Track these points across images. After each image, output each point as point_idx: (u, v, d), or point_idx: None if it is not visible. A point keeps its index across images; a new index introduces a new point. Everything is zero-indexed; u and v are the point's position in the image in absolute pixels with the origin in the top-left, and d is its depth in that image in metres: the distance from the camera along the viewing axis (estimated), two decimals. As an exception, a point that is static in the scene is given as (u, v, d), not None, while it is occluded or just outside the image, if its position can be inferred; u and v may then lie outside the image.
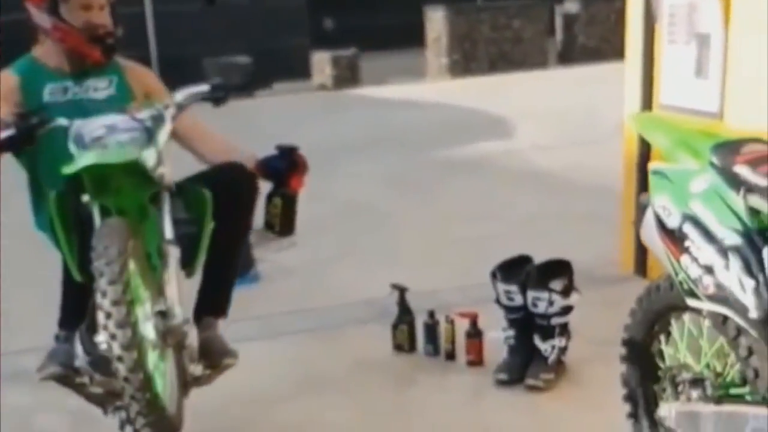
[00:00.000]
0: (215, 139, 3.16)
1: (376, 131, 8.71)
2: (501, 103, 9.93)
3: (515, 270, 3.44)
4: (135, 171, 2.57)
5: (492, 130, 8.66)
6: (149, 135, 2.66)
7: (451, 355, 3.59)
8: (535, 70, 13.21)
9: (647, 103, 3.86)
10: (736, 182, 1.93)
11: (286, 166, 3.07)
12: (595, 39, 13.59)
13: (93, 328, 2.50)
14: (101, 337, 2.35)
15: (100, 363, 2.56)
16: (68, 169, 2.52)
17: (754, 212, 1.93)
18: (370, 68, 13.38)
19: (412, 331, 3.66)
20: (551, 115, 9.02)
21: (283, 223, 3.07)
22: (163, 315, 2.56)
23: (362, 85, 12.81)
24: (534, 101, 10.08)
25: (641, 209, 2.17)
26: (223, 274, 2.97)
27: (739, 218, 1.93)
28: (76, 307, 2.77)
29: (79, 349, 2.70)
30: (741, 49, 3.46)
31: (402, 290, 3.68)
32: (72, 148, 2.63)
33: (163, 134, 2.71)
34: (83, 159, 2.54)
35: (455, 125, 8.95)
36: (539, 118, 8.95)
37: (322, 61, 13.35)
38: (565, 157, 7.07)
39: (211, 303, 2.95)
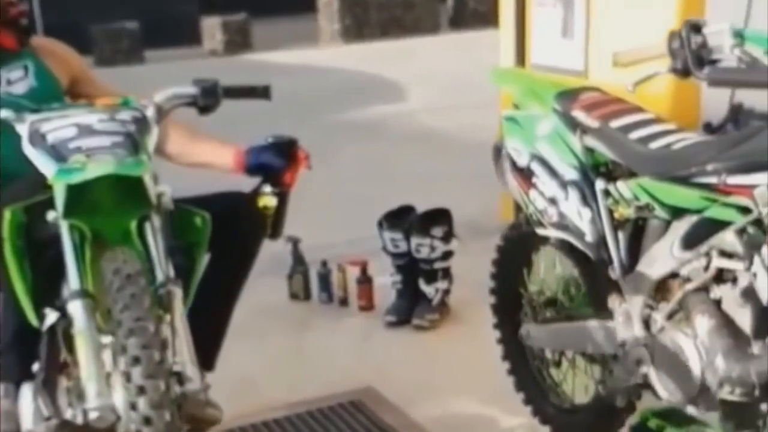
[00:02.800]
0: (182, 129, 2.67)
1: (283, 98, 8.97)
2: (394, 68, 10.30)
3: (400, 219, 3.83)
4: (130, 186, 2.18)
5: (385, 94, 9.05)
6: (133, 142, 2.22)
7: (344, 301, 3.97)
8: (427, 35, 13.63)
9: (520, 63, 4.28)
10: (573, 125, 2.34)
11: (283, 163, 2.61)
12: (486, 4, 14.08)
13: (53, 384, 2.22)
14: (117, 397, 1.98)
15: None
16: (73, 179, 2.13)
17: (588, 151, 2.34)
18: (261, 34, 13.59)
19: (307, 280, 4.01)
20: (443, 78, 9.44)
21: (274, 226, 2.66)
22: (179, 377, 2.06)
23: (254, 51, 13.02)
24: (426, 65, 10.49)
25: (497, 152, 2.57)
26: (214, 321, 2.55)
27: (577, 156, 2.34)
28: (23, 355, 2.31)
29: (27, 410, 2.25)
30: (602, 11, 3.89)
31: (296, 241, 4.03)
32: (36, 152, 2.22)
33: (151, 143, 2.29)
34: (94, 167, 2.13)
35: (349, 90, 9.29)
36: (431, 82, 9.36)
37: (212, 27, 13.49)
38: (455, 118, 7.49)
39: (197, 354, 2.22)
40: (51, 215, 2.17)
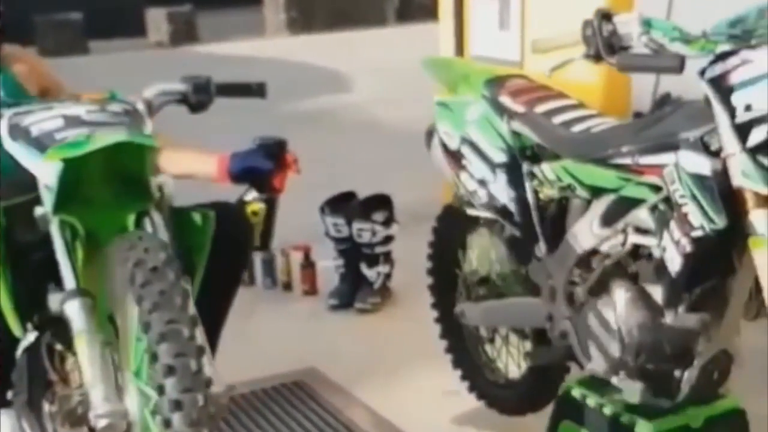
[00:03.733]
0: (160, 138, 2.40)
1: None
2: (340, 60, 10.41)
3: (342, 205, 3.96)
4: (127, 178, 2.08)
5: (332, 86, 9.15)
6: (131, 130, 2.10)
7: (287, 286, 4.09)
8: (374, 27, 13.74)
9: (460, 54, 4.41)
10: (501, 110, 2.48)
11: (271, 166, 2.42)
12: (432, -4, 14.26)
13: (37, 407, 2.12)
14: (129, 401, 1.86)
15: None
16: (78, 151, 1.99)
17: (515, 135, 2.48)
18: (207, 25, 13.60)
19: (251, 266, 4.12)
20: (389, 70, 9.56)
21: (263, 235, 2.54)
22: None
23: (200, 43, 13.03)
24: (372, 57, 10.60)
25: (429, 136, 2.70)
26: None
27: (504, 140, 2.48)
28: (4, 372, 2.18)
29: None
30: (537, 3, 4.04)
31: (240, 228, 4.12)
32: (17, 146, 2.10)
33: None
34: (101, 137, 2.00)
35: (295, 81, 9.36)
36: (377, 74, 9.48)
37: (157, 18, 13.47)
38: (400, 109, 7.62)
39: None
40: (39, 211, 2.03)
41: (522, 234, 2.50)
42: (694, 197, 1.90)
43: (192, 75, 2.37)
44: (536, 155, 2.44)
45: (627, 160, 2.13)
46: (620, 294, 2.24)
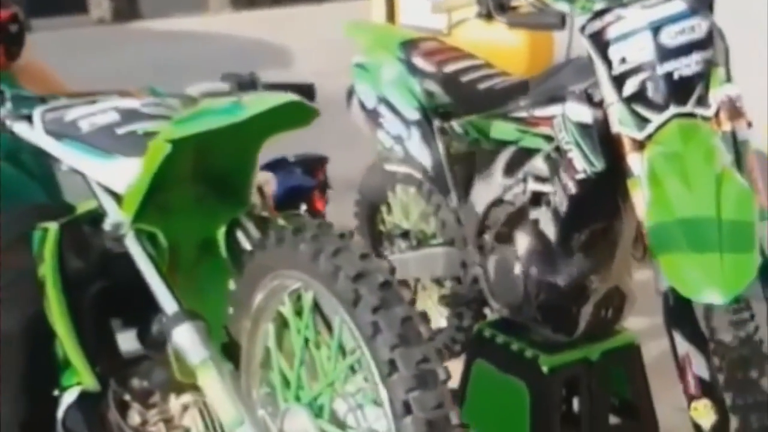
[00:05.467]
0: None
1: (160, 64, 9.14)
2: (283, 35, 10.54)
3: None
4: (220, 177, 1.81)
5: (274, 60, 9.28)
6: None
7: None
8: (315, 2, 13.86)
9: (391, 23, 4.61)
10: (414, 71, 2.69)
11: (313, 183, 2.27)
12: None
13: None
14: None
15: None
16: (176, 132, 1.63)
17: (428, 93, 2.68)
18: (149, 1, 13.62)
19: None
20: (331, 44, 9.73)
21: None
22: None
23: (143, 19, 13.07)
24: (315, 32, 10.75)
25: (349, 95, 2.91)
26: None
27: (417, 99, 2.69)
28: None
29: None
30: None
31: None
32: (65, 144, 1.82)
33: None
34: (256, 101, 1.66)
35: (239, 57, 9.48)
36: (319, 48, 9.64)
37: (99, -5, 13.45)
38: (340, 81, 7.79)
39: None
40: (112, 221, 1.71)
41: (435, 187, 2.71)
42: (577, 143, 2.12)
43: (233, 72, 2.16)
44: (447, 112, 2.66)
45: (524, 114, 2.35)
46: (522, 239, 2.45)
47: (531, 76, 2.46)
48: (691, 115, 2.01)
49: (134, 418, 1.90)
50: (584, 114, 2.12)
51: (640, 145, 2.04)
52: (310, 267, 1.57)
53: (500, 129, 2.45)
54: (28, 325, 1.83)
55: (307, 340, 1.65)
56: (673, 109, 2.01)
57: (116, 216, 1.74)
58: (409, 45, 2.74)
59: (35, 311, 1.81)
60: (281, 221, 1.88)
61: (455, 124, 2.61)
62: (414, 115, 2.69)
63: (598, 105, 2.11)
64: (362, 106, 2.83)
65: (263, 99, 1.66)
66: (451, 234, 2.76)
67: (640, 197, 2.04)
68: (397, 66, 2.73)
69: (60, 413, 1.86)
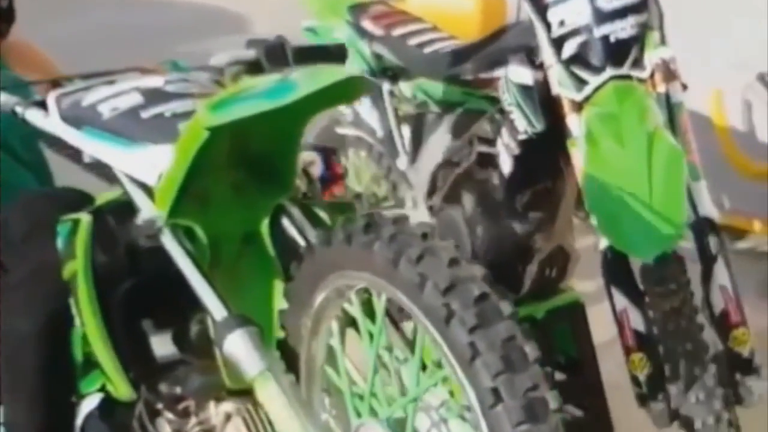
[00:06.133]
0: None
1: (115, 32, 9.10)
2: (236, 1, 10.53)
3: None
4: (261, 158, 1.64)
5: (229, 26, 9.28)
6: None
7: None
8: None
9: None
10: (363, 34, 2.76)
11: (328, 176, 2.01)
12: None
13: None
14: None
15: None
16: (215, 118, 1.45)
17: (376, 56, 2.76)
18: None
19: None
20: (285, 10, 9.72)
21: None
22: None
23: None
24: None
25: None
26: None
27: (366, 61, 2.77)
28: None
29: None
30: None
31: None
32: (86, 133, 1.68)
33: None
34: (310, 78, 1.46)
35: (188, 21, 9.46)
36: (276, 14, 9.62)
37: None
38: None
39: None
40: (146, 216, 1.57)
41: (385, 149, 2.79)
42: (519, 105, 2.21)
43: (259, 38, 2.03)
44: (395, 75, 2.73)
45: (469, 76, 2.43)
46: (468, 199, 2.55)
47: (477, 40, 2.54)
48: (627, 77, 2.10)
49: (165, 428, 1.75)
50: (525, 76, 2.20)
51: (578, 107, 2.13)
52: (388, 272, 1.38)
53: (447, 91, 2.54)
54: (45, 325, 1.70)
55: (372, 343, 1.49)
56: (609, 71, 2.10)
57: (149, 210, 1.58)
58: (358, 9, 2.81)
59: (53, 310, 1.69)
60: (333, 210, 1.74)
61: (403, 87, 2.69)
62: (363, 78, 2.76)
63: (539, 67, 2.20)
64: (312, 69, 2.90)
65: (315, 76, 1.45)
66: (402, 196, 2.85)
67: (579, 157, 2.14)
68: (346, 29, 2.80)
69: (79, 421, 1.73)
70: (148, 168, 1.62)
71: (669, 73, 2.10)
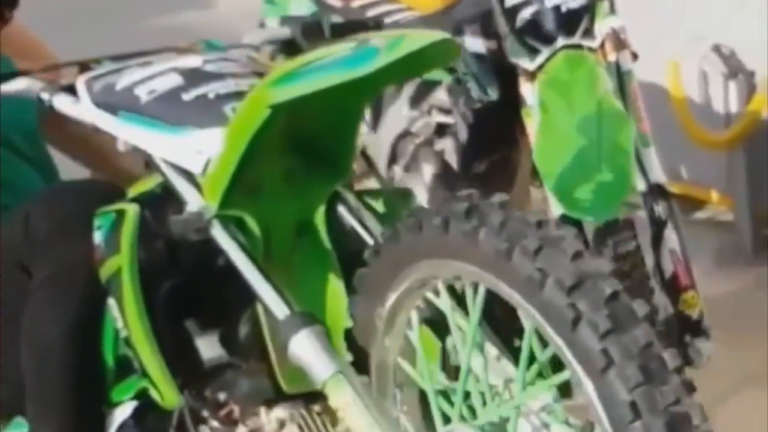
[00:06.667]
0: None
1: (77, 3, 9.07)
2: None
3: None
4: (313, 138, 1.51)
5: (193, 2, 9.27)
6: None
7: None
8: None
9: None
10: (322, 5, 2.80)
11: None
12: None
13: None
14: None
15: None
16: (281, 93, 1.33)
17: (336, 27, 2.80)
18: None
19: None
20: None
21: None
22: None
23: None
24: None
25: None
26: None
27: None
28: None
29: None
30: None
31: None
32: (122, 119, 1.55)
33: None
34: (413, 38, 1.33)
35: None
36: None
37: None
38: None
39: None
40: (193, 207, 1.44)
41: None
42: (474, 74, 2.27)
43: (294, 15, 1.97)
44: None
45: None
46: (427, 169, 2.60)
47: (434, 10, 2.59)
48: (578, 46, 2.17)
49: None
50: (479, 45, 2.26)
51: (531, 76, 2.19)
52: (497, 265, 1.23)
53: (405, 62, 2.59)
54: (73, 329, 1.57)
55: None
56: (561, 41, 2.17)
57: (196, 201, 1.45)
58: (317, -20, 2.85)
59: (82, 312, 1.57)
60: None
61: (365, 61, 2.74)
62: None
63: (493, 37, 2.26)
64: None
65: (400, 41, 1.31)
66: (362, 167, 2.90)
67: (532, 126, 2.20)
68: (305, 1, 2.84)
69: None
70: (193, 155, 1.48)
71: (619, 42, 2.17)
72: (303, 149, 1.51)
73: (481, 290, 1.29)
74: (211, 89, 1.52)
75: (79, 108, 1.60)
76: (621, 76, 2.18)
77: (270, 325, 1.48)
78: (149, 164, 1.57)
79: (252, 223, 1.48)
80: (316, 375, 1.34)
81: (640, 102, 2.20)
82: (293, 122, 1.45)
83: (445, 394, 1.38)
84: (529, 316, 1.23)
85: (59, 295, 1.57)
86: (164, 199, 1.55)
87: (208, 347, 1.58)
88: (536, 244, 1.20)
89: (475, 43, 2.28)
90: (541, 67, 2.18)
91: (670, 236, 2.22)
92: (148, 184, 1.61)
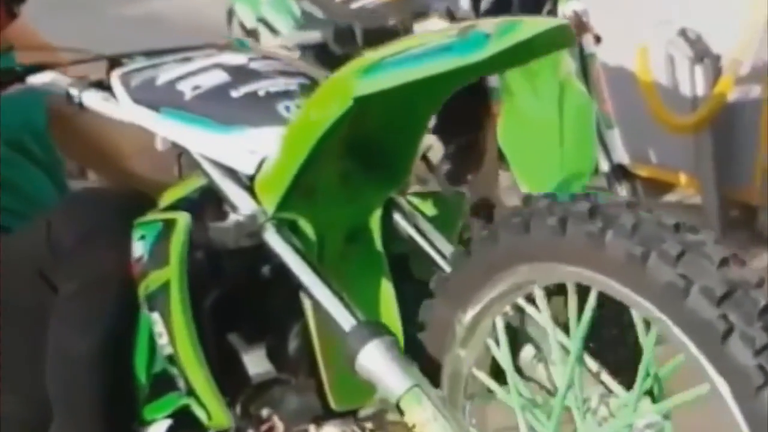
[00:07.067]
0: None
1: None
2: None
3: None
4: (371, 141, 1.40)
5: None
6: None
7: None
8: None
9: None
10: (293, -9, 2.84)
11: None
12: None
13: None
14: None
15: None
16: (369, 84, 1.22)
17: (305, 13, 2.83)
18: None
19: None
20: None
21: None
22: None
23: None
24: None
25: (229, 16, 3.04)
26: None
27: (295, 18, 2.84)
28: None
29: None
30: None
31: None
32: (160, 118, 1.45)
33: None
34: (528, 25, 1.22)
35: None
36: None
37: None
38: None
39: None
40: (247, 209, 1.34)
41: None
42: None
43: (323, 18, 1.97)
44: (324, 31, 2.82)
45: (394, 29, 2.52)
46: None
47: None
48: None
49: None
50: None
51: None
52: (629, 272, 1.12)
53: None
54: (104, 344, 1.49)
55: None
56: None
57: (248, 204, 1.36)
58: (286, -34, 2.88)
59: (113, 326, 1.49)
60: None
61: (333, 43, 2.77)
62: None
63: (459, 21, 2.30)
64: (242, 26, 2.97)
65: (514, 26, 1.20)
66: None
67: (498, 109, 2.25)
68: (276, -15, 2.87)
69: None
70: (245, 154, 1.39)
71: (581, 25, 2.21)
72: (361, 150, 1.40)
73: (593, 297, 1.19)
74: (261, 87, 1.43)
75: (112, 104, 1.51)
76: (584, 59, 2.22)
77: (322, 336, 1.39)
78: (182, 167, 1.49)
79: (307, 227, 1.38)
80: (391, 389, 1.24)
81: (603, 84, 2.25)
82: (356, 120, 1.33)
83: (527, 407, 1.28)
84: (662, 327, 1.12)
85: (89, 309, 1.49)
86: (202, 206, 1.47)
87: (255, 362, 1.49)
88: (677, 249, 1.09)
89: (440, 26, 2.31)
90: (505, 51, 2.22)
91: None
92: (182, 190, 1.52)
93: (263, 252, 1.37)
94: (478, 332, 1.32)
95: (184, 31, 7.14)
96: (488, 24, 1.22)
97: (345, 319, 1.28)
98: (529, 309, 1.28)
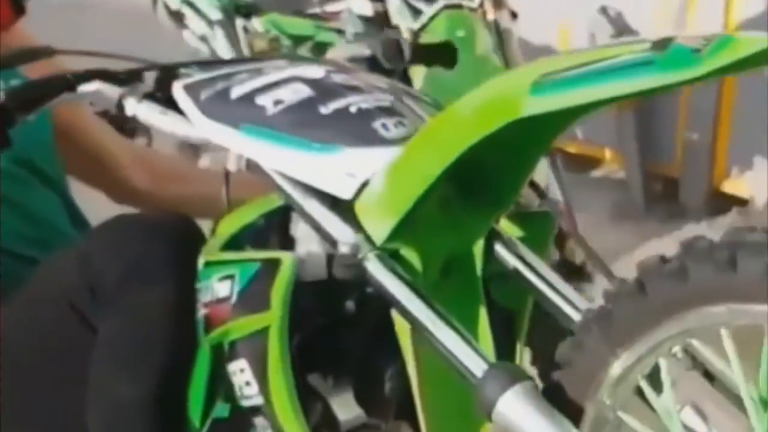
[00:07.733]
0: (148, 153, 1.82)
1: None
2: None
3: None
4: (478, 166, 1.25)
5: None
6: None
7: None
8: None
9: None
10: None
11: None
12: None
13: None
14: None
15: None
16: (550, 102, 1.08)
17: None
18: None
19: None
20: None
21: None
22: None
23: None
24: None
25: (154, 3, 3.08)
26: None
27: (222, 1, 2.89)
28: None
29: None
30: None
31: None
32: (240, 135, 1.29)
33: None
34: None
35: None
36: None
37: None
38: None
39: None
40: (348, 240, 1.23)
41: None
42: (359, 35, 2.38)
43: (374, 34, 1.96)
44: (248, 12, 2.86)
45: (317, 10, 2.59)
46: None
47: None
48: (458, 6, 2.28)
49: None
50: (365, 8, 2.37)
51: (415, 36, 2.30)
52: None
53: (297, 25, 2.68)
54: (156, 389, 1.36)
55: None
56: (442, 1, 2.28)
57: (347, 233, 1.24)
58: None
59: (166, 370, 1.36)
60: None
61: (256, 22, 2.82)
62: (216, 14, 2.89)
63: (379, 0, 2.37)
64: (167, 8, 3.00)
65: (728, 41, 1.03)
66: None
67: (418, 85, 2.31)
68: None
69: None
70: (343, 177, 1.24)
71: (498, 1, 2.29)
72: (466, 174, 1.26)
73: None
74: (350, 102, 1.29)
75: (174, 119, 1.35)
76: (500, 35, 2.29)
77: (425, 379, 1.26)
78: (229, 189, 1.39)
79: (412, 257, 1.26)
80: None
81: (521, 60, 2.32)
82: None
83: None
84: None
85: (140, 351, 1.35)
86: (268, 234, 1.36)
87: (343, 407, 1.36)
88: None
89: (361, 6, 2.38)
90: (424, 26, 2.29)
91: (553, 188, 2.34)
92: (245, 216, 1.40)
93: (343, 286, 1.27)
94: (632, 377, 1.17)
95: (116, 15, 7.11)
96: (688, 39, 1.05)
97: (474, 363, 1.15)
98: (705, 352, 1.13)
